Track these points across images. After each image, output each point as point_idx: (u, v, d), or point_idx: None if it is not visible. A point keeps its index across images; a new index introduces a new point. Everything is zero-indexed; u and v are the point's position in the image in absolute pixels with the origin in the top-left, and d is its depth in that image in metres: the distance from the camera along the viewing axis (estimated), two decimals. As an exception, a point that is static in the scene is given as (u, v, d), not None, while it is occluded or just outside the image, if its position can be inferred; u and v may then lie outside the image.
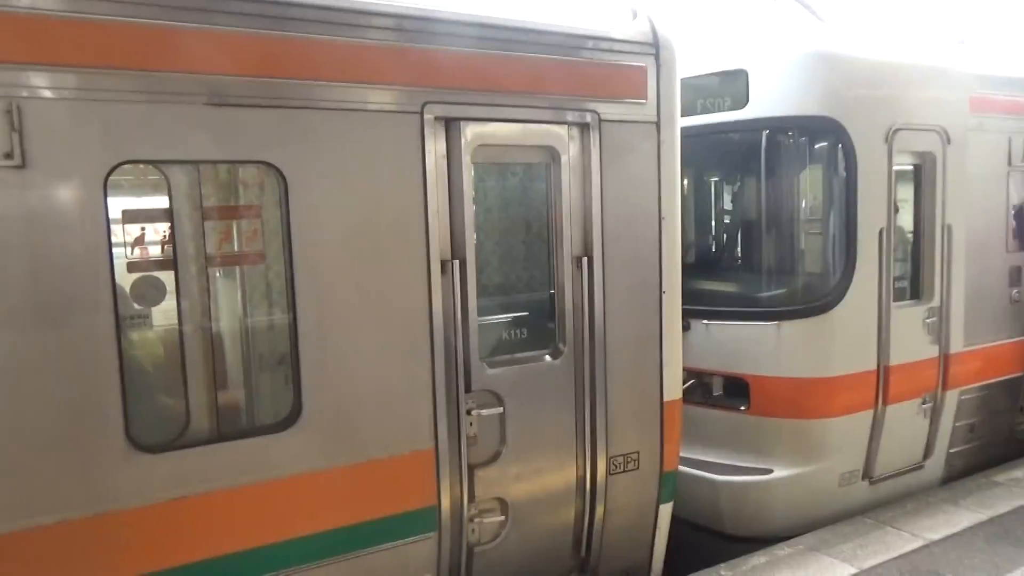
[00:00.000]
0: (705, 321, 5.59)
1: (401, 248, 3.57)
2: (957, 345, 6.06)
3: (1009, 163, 6.35)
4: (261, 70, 3.16)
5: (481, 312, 3.87)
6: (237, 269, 3.42)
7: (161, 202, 3.19)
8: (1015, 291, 6.45)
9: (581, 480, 4.19)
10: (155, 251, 3.22)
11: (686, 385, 5.72)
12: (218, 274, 3.42)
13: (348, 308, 3.43)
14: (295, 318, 3.28)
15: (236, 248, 3.44)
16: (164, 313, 3.23)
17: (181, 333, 3.17)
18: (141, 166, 3.19)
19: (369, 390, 3.51)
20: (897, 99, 5.59)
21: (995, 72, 6.35)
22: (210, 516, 3.16)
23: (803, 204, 5.48)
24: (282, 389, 3.41)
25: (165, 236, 3.17)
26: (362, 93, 3.42)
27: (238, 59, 3.10)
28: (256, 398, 3.52)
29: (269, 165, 3.22)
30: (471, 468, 3.84)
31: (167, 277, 3.19)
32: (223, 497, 3.17)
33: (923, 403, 5.94)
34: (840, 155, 5.34)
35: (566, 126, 4.02)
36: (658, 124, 4.28)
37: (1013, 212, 6.37)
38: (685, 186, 6.28)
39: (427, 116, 3.57)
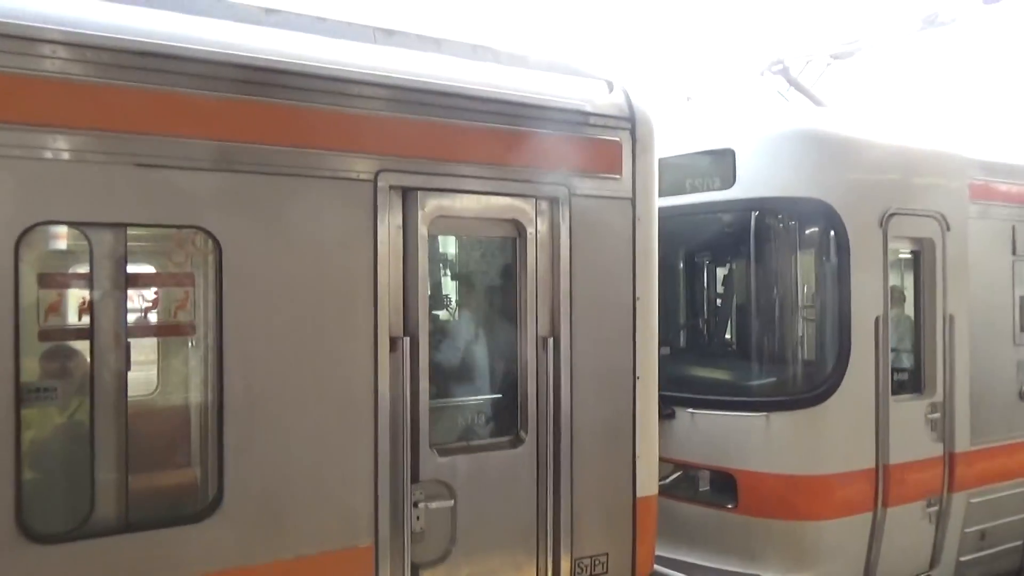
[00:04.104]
0: (691, 409, 5.26)
1: (346, 323, 3.32)
2: (963, 443, 5.65)
3: (1014, 252, 6.08)
4: (198, 131, 3.00)
5: (434, 394, 3.59)
6: (160, 340, 3.18)
7: (81, 267, 2.98)
8: (1024, 386, 6.08)
9: (542, 585, 3.81)
10: (72, 318, 2.99)
11: (671, 478, 5.37)
12: (139, 346, 3.18)
13: (282, 386, 3.16)
14: (221, 395, 3.01)
15: (160, 318, 3.20)
16: (75, 385, 2.97)
17: (92, 407, 2.90)
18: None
19: (302, 477, 3.20)
20: (893, 183, 5.39)
21: (997, 159, 6.16)
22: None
23: (794, 289, 5.22)
24: (204, 473, 3.12)
25: (84, 303, 2.94)
26: (311, 159, 3.25)
27: (173, 119, 2.94)
28: (174, 483, 3.21)
29: (203, 230, 3.03)
30: (415, 568, 3.48)
31: (83, 347, 2.94)
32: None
33: (928, 506, 5.50)
34: (832, 239, 5.11)
35: (534, 199, 3.83)
36: (633, 200, 4.08)
37: (1020, 303, 6.06)
38: (674, 267, 6.08)
39: (381, 185, 3.39)
